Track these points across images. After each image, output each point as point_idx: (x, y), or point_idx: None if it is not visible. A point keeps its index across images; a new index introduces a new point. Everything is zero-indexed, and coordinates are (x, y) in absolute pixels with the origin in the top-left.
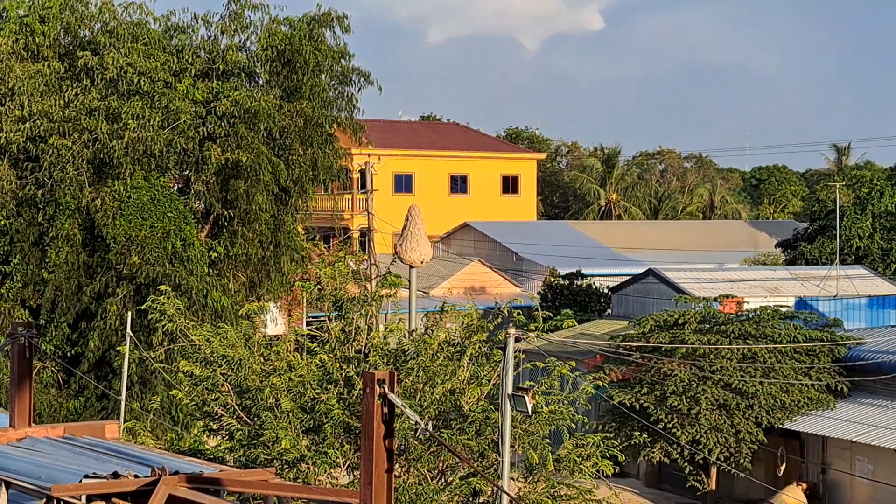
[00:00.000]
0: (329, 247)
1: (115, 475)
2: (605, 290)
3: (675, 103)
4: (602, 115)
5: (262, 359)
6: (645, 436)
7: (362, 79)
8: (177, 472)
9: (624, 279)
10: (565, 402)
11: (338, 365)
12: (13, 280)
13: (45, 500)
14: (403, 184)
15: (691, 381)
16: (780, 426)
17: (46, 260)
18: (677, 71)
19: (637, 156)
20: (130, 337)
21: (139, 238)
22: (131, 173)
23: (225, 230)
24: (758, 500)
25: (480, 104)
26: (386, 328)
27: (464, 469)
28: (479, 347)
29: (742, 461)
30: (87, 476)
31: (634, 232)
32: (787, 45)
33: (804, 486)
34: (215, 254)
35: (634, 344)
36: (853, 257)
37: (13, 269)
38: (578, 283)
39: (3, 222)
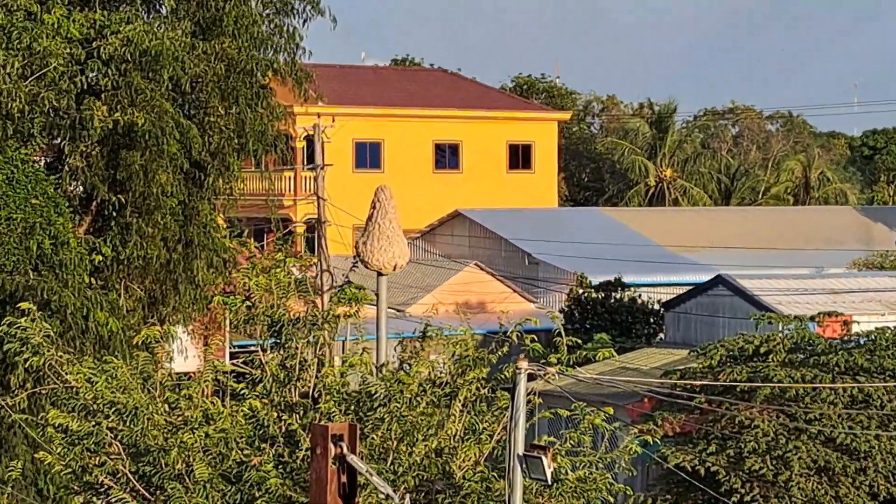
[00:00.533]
0: (262, 246)
1: None
2: (656, 307)
3: (752, 40)
4: (649, 58)
5: (167, 406)
6: None
7: (308, 6)
8: None
9: (682, 290)
10: (600, 465)
11: (275, 414)
12: None
13: None
14: (368, 156)
15: (778, 435)
16: None
17: None
18: None
19: (700, 115)
20: None
21: None
22: None
23: (114, 223)
24: None
25: (476, 43)
26: (344, 362)
27: None
28: (477, 389)
29: None
30: None
31: (697, 223)
32: None
33: None
34: (100, 257)
35: (698, 382)
36: None
37: None
38: (618, 295)
39: None
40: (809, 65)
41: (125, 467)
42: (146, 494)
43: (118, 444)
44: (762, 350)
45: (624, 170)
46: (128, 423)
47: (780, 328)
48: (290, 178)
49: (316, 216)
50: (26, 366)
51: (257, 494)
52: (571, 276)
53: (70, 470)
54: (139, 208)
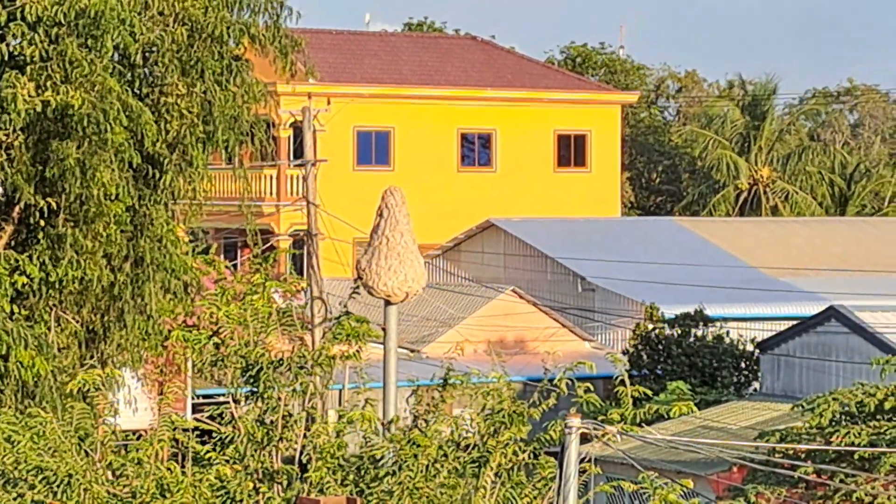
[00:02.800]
0: (235, 266)
1: None
2: (749, 347)
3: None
4: (741, 22)
5: (109, 474)
6: None
7: None
8: None
9: (784, 326)
10: None
11: (251, 485)
12: None
13: None
14: (374, 149)
15: None
16: None
17: None
18: None
19: (808, 98)
20: None
21: None
22: None
23: (42, 235)
24: None
25: (515, 3)
26: (341, 417)
27: None
28: (515, 453)
29: None
30: None
31: (803, 238)
32: None
33: None
34: (24, 279)
35: (803, 447)
36: None
37: None
38: (699, 332)
39: None
40: None
41: None
42: None
43: None
44: (887, 405)
45: (707, 168)
46: (59, 496)
47: None
48: (271, 178)
49: (305, 227)
50: None
51: None
52: (638, 307)
53: None
54: (75, 216)
